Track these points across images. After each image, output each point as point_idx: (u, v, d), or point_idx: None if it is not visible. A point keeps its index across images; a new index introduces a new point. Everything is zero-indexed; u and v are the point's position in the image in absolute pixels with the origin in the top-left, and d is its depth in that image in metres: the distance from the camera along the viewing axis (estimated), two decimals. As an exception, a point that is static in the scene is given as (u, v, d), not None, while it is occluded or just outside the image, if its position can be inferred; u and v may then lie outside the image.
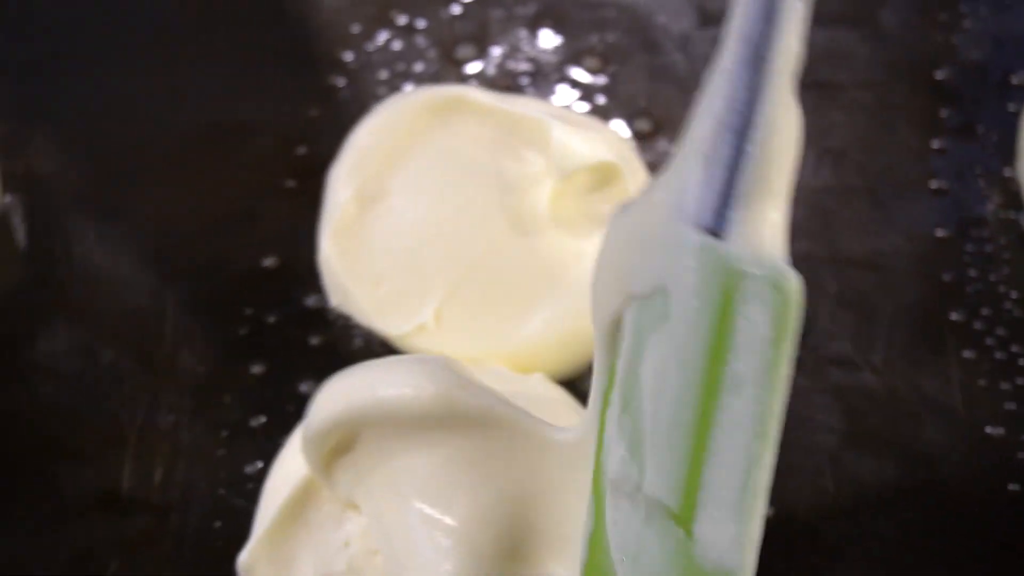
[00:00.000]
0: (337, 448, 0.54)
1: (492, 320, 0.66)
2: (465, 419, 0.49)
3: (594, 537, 0.45)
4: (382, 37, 0.85)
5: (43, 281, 0.75)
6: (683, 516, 0.40)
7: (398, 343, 0.67)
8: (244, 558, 0.58)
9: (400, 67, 0.84)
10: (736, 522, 0.39)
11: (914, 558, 0.66)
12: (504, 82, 0.83)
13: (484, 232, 0.67)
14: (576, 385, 0.69)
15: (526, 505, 0.51)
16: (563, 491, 0.50)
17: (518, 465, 0.50)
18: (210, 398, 0.71)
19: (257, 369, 0.71)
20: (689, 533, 0.40)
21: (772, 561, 0.64)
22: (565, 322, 0.66)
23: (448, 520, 0.50)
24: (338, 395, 0.52)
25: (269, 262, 0.76)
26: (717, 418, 0.38)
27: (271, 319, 0.73)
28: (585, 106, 0.83)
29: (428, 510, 0.50)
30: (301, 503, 0.58)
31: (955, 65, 0.84)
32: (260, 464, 0.65)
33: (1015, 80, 0.84)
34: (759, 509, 0.39)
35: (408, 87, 0.81)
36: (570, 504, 0.49)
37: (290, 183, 0.79)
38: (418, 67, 0.84)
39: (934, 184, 0.79)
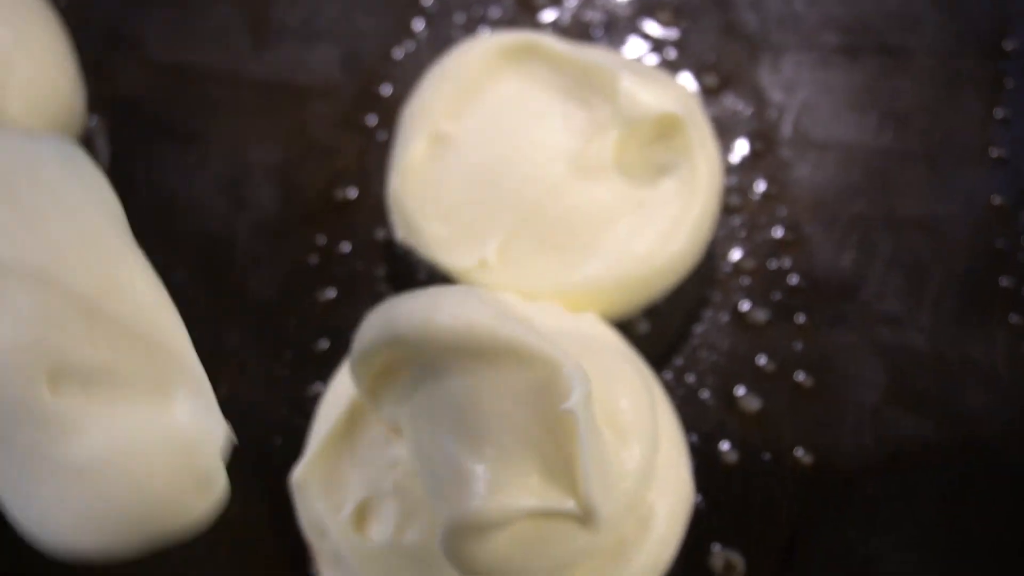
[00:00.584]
0: (381, 372, 0.56)
1: (550, 260, 0.68)
2: (495, 349, 0.51)
3: None
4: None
5: (123, 202, 0.77)
6: None
7: (460, 278, 0.69)
8: (297, 475, 0.60)
9: (477, 12, 0.86)
10: None
11: (948, 516, 0.67)
12: (577, 31, 0.85)
13: (548, 175, 0.68)
14: (627, 327, 0.71)
15: (553, 437, 0.52)
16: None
17: (546, 398, 0.51)
18: (277, 321, 0.74)
19: (324, 296, 0.74)
20: None
21: (808, 509, 0.67)
22: (620, 266, 0.67)
23: (480, 446, 0.51)
24: (381, 321, 0.54)
25: (344, 194, 0.78)
26: None
27: (342, 249, 0.76)
28: (655, 59, 0.84)
29: (462, 435, 0.52)
30: (351, 424, 0.61)
31: (1022, 37, 0.85)
32: (321, 386, 0.67)
33: (1084, 53, 0.85)
34: None
35: (484, 32, 0.83)
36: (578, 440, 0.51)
37: (371, 120, 0.82)
38: (495, 13, 0.86)
39: (994, 152, 0.80)
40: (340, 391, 0.63)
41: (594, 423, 0.52)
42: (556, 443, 0.52)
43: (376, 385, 0.57)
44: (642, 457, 0.56)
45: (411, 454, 0.57)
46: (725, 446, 0.69)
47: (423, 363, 0.54)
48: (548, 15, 0.86)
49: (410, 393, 0.55)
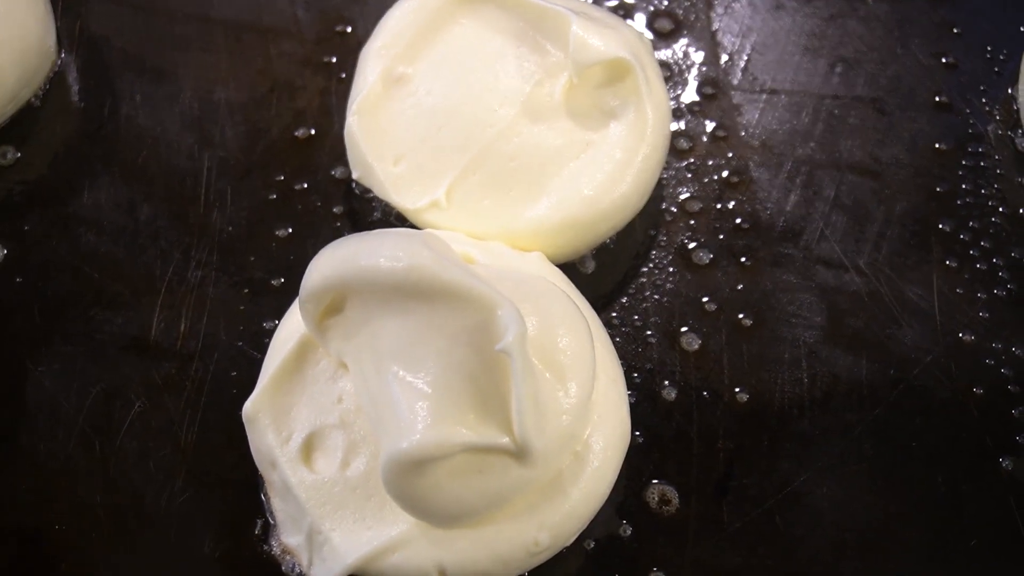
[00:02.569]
0: (329, 309, 0.59)
1: (500, 201, 0.70)
2: (435, 290, 0.54)
3: None
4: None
5: (92, 137, 0.80)
6: None
7: (412, 217, 0.71)
8: (248, 408, 0.62)
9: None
10: None
11: (879, 450, 0.69)
12: (537, -27, 0.86)
13: (500, 118, 0.70)
14: (575, 266, 0.74)
15: (490, 376, 0.54)
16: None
17: (483, 338, 0.54)
18: (237, 257, 0.75)
19: (282, 232, 0.76)
20: None
21: (743, 445, 0.69)
22: (567, 207, 0.69)
23: (420, 383, 0.54)
24: (328, 261, 0.56)
25: (303, 132, 0.80)
26: None
27: (299, 186, 0.78)
28: (612, 2, 0.86)
29: (403, 372, 0.55)
30: (301, 359, 0.63)
31: (975, -19, 0.87)
32: (277, 321, 0.69)
33: (1033, 2, 0.87)
34: None
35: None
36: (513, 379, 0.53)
37: (333, 59, 0.84)
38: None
39: (940, 99, 0.82)
40: (291, 327, 0.65)
41: (529, 362, 0.53)
42: (493, 381, 0.54)
43: (324, 322, 0.59)
44: (579, 395, 0.57)
45: (356, 389, 0.59)
46: (666, 384, 0.71)
47: (367, 302, 0.57)
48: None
49: (356, 330, 0.58)
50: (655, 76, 0.72)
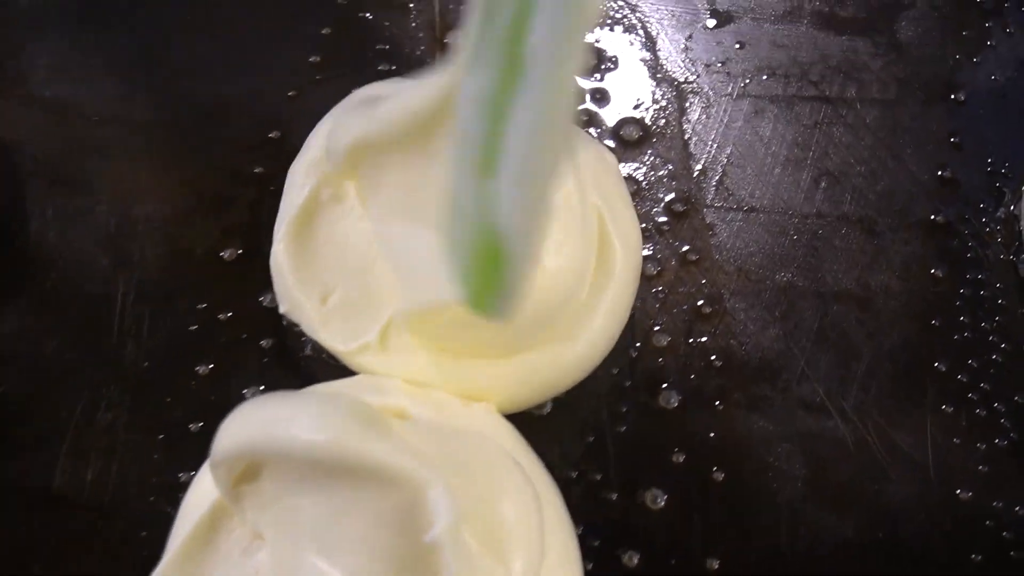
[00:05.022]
0: (244, 476, 0.53)
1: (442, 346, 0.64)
2: (358, 468, 0.49)
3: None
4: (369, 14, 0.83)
5: (-2, 257, 0.75)
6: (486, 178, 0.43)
7: (344, 359, 0.65)
8: (154, 582, 0.57)
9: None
10: (519, 188, 0.41)
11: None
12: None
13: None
14: (522, 416, 0.67)
15: (420, 564, 0.49)
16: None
17: (411, 523, 0.49)
18: (152, 396, 0.69)
19: (203, 369, 0.70)
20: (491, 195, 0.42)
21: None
22: (520, 357, 0.63)
23: (340, 573, 0.49)
24: (240, 427, 0.51)
25: (228, 254, 0.74)
26: (516, 93, 0.41)
27: (223, 316, 0.72)
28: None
29: (320, 562, 0.50)
30: (213, 526, 0.57)
31: (974, 87, 0.83)
32: (194, 472, 0.63)
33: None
34: (544, 180, 0.41)
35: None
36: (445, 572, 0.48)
37: (259, 169, 0.78)
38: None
39: (936, 218, 0.77)
40: (203, 488, 0.59)
41: (463, 551, 0.49)
42: (423, 571, 0.49)
43: (239, 488, 0.54)
44: (524, 573, 0.53)
45: (273, 565, 0.54)
46: (628, 550, 0.65)
47: (284, 474, 0.51)
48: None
49: (273, 500, 0.53)
50: (622, 205, 0.67)
